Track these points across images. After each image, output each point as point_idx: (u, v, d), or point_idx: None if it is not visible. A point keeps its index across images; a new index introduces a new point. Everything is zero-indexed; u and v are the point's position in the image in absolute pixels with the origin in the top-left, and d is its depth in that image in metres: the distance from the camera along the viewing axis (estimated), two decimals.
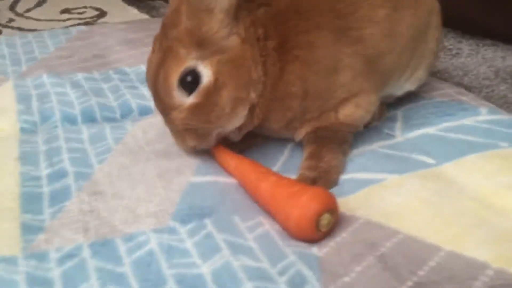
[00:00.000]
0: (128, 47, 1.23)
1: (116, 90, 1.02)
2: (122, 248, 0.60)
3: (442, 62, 1.28)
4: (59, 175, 0.74)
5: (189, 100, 0.69)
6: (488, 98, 1.09)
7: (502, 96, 1.10)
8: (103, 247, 0.60)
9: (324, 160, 0.76)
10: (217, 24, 0.68)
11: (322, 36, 0.75)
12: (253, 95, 0.72)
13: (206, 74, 0.69)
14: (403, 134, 0.85)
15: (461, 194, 0.71)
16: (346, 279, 0.58)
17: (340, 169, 0.77)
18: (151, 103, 0.96)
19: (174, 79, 0.69)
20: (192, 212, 0.66)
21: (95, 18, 1.69)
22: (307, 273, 0.57)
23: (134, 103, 0.97)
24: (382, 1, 0.79)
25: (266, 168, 0.72)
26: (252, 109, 0.73)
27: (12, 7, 1.81)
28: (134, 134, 0.85)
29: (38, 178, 0.73)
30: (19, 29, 1.60)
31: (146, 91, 1.01)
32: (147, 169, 0.75)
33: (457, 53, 1.33)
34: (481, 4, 1.33)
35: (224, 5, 0.68)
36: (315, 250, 0.62)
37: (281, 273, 0.57)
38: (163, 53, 0.70)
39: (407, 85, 0.91)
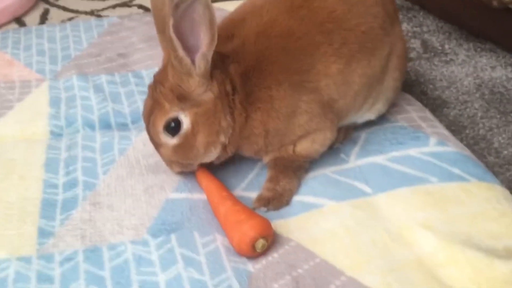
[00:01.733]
0: (148, 46, 1.41)
1: (131, 95, 1.22)
2: (106, 255, 0.82)
3: (434, 70, 1.39)
4: (72, 184, 0.96)
5: (173, 141, 0.89)
6: (457, 117, 1.21)
7: (471, 115, 1.21)
8: (93, 253, 0.82)
9: (280, 184, 0.94)
10: (195, 84, 0.86)
11: (281, 90, 0.90)
12: (223, 138, 0.90)
13: (186, 122, 0.87)
14: (355, 160, 1.01)
15: (380, 225, 0.87)
16: None
17: (293, 192, 0.95)
18: None
19: (161, 125, 0.88)
20: (163, 228, 0.87)
21: None
22: (236, 286, 0.77)
23: None
24: (335, 58, 0.92)
25: (228, 192, 0.91)
26: (224, 147, 0.91)
27: None
28: (136, 146, 1.05)
29: (56, 186, 0.95)
30: (64, 8, 1.80)
31: None
32: (137, 183, 0.95)
33: (451, 60, 1.42)
34: (482, 11, 1.40)
35: (201, 70, 0.85)
36: (250, 266, 0.81)
37: (217, 285, 0.78)
38: (152, 102, 0.89)
39: (367, 115, 1.05)
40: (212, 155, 0.92)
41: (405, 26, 1.57)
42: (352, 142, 1.06)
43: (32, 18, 1.73)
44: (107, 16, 1.72)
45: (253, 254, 0.82)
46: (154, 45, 1.42)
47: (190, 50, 0.83)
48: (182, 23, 0.81)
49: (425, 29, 1.55)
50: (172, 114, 0.87)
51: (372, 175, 0.97)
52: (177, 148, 0.89)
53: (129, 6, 1.82)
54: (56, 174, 0.98)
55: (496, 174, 1.04)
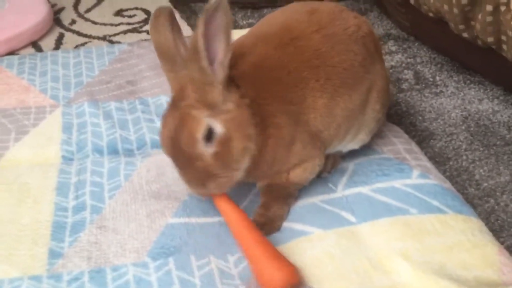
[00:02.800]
0: (155, 74, 1.50)
1: (137, 122, 1.30)
2: (109, 276, 0.90)
3: (424, 101, 1.46)
4: (80, 208, 1.04)
5: (211, 149, 0.90)
6: (443, 149, 1.28)
7: (456, 147, 1.28)
8: (97, 274, 0.90)
9: (271, 210, 1.02)
10: (217, 93, 0.90)
11: (284, 118, 0.98)
12: (253, 145, 0.93)
13: (218, 127, 0.90)
14: (343, 190, 1.08)
15: (362, 253, 0.94)
16: None
17: (283, 218, 1.03)
18: None
19: (199, 133, 0.89)
20: (162, 251, 0.95)
21: (141, 24, 1.96)
22: None
23: (148, 137, 1.25)
24: (321, 93, 1.00)
25: (258, 231, 0.94)
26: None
27: (75, 6, 2.12)
28: (140, 172, 1.13)
29: (66, 209, 1.04)
30: (78, 33, 1.90)
31: (159, 125, 1.28)
32: (140, 208, 1.04)
33: (441, 91, 1.50)
34: (470, 47, 1.47)
35: (220, 78, 0.90)
36: None
37: None
38: (178, 121, 0.90)
39: (351, 145, 1.13)
40: (246, 164, 0.94)
41: (399, 57, 1.65)
42: (340, 173, 1.13)
43: (48, 42, 1.83)
44: (119, 42, 1.82)
45: None
46: (159, 73, 1.51)
47: (209, 60, 0.88)
48: (206, 31, 0.85)
49: (418, 60, 1.63)
50: (205, 121, 0.89)
51: (358, 205, 1.04)
52: (216, 156, 0.90)
53: (139, 32, 1.91)
54: (67, 198, 1.07)
55: (475, 205, 1.11)
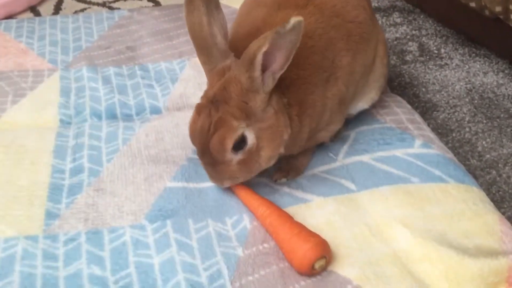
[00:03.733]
0: (155, 40, 1.48)
1: (137, 87, 1.28)
2: (106, 237, 0.89)
3: (428, 73, 1.44)
4: (78, 170, 1.03)
5: (237, 157, 0.90)
6: (446, 121, 1.26)
7: (459, 119, 1.27)
8: (94, 235, 0.89)
9: (298, 159, 1.04)
10: (260, 100, 0.89)
11: (317, 91, 0.96)
12: (282, 150, 0.93)
13: (250, 137, 0.89)
14: (343, 159, 1.07)
15: (361, 220, 0.94)
16: (250, 278, 0.84)
17: (306, 165, 1.05)
18: (160, 103, 1.23)
19: (230, 143, 0.88)
20: (159, 214, 0.94)
21: None
22: (224, 271, 0.84)
23: (147, 103, 1.23)
24: (346, 51, 0.99)
25: (282, 211, 0.93)
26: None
27: None
28: (138, 137, 1.12)
29: (63, 171, 1.02)
30: None
31: (158, 91, 1.27)
32: (138, 172, 1.02)
33: (446, 64, 1.47)
34: (477, 18, 1.44)
35: (268, 88, 0.88)
36: (239, 250, 0.88)
37: (206, 269, 0.85)
38: (214, 122, 0.88)
39: (361, 105, 1.13)
40: (270, 166, 0.95)
41: (404, 28, 1.62)
42: (342, 141, 1.12)
43: (47, 8, 1.80)
44: (118, 8, 1.79)
45: (312, 272, 0.85)
46: (160, 39, 1.49)
47: (262, 68, 0.85)
48: (271, 47, 0.82)
49: (423, 32, 1.60)
50: (240, 131, 0.88)
51: (358, 173, 1.03)
52: (241, 163, 0.91)
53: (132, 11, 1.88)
54: (64, 160, 1.06)
55: (477, 177, 1.10)
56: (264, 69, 0.85)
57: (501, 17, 1.24)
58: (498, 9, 1.22)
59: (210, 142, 0.89)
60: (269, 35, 0.80)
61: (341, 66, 0.99)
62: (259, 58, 0.83)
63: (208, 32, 0.91)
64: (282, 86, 0.92)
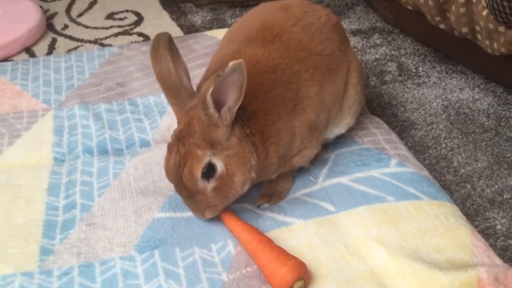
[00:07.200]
0: (144, 74, 1.54)
1: (127, 122, 1.34)
2: (97, 269, 0.94)
3: (406, 92, 1.49)
4: (71, 206, 1.08)
5: (210, 185, 0.96)
6: (423, 138, 1.31)
7: (436, 136, 1.32)
8: (86, 269, 0.95)
9: (279, 184, 1.10)
10: (222, 133, 0.94)
11: (282, 121, 1.02)
12: (253, 174, 0.99)
13: (219, 164, 0.95)
14: (323, 181, 1.12)
15: (340, 241, 0.98)
16: None
17: (288, 190, 1.11)
18: (149, 137, 1.29)
19: (198, 172, 0.95)
20: (148, 244, 0.99)
21: (132, 26, 2.00)
22: None
23: (136, 137, 1.29)
24: (312, 82, 1.05)
25: (264, 236, 0.98)
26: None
27: (67, 10, 2.16)
28: (128, 170, 1.17)
29: (56, 208, 1.08)
30: (70, 38, 1.95)
31: (147, 124, 1.33)
32: (128, 205, 1.08)
33: (423, 82, 1.53)
34: (449, 37, 1.50)
35: (227, 121, 0.94)
36: (224, 276, 0.93)
37: None
38: (182, 156, 0.95)
39: (337, 130, 1.18)
40: (245, 190, 1.01)
41: (384, 49, 1.69)
42: (322, 164, 1.17)
43: (41, 48, 1.88)
44: (110, 45, 1.86)
45: None
46: (149, 73, 1.56)
47: (216, 105, 0.92)
48: (217, 87, 0.89)
49: (402, 52, 1.66)
50: (206, 159, 0.94)
51: (337, 195, 1.08)
52: (216, 190, 0.96)
53: (130, 34, 1.96)
54: (57, 197, 1.11)
55: (452, 191, 1.14)
56: (222, 105, 0.92)
57: (469, 37, 1.30)
58: (465, 30, 1.28)
59: (182, 175, 0.95)
60: (213, 78, 0.88)
61: (307, 96, 1.05)
62: (208, 98, 0.90)
63: (176, 76, 0.99)
64: (244, 118, 0.98)
